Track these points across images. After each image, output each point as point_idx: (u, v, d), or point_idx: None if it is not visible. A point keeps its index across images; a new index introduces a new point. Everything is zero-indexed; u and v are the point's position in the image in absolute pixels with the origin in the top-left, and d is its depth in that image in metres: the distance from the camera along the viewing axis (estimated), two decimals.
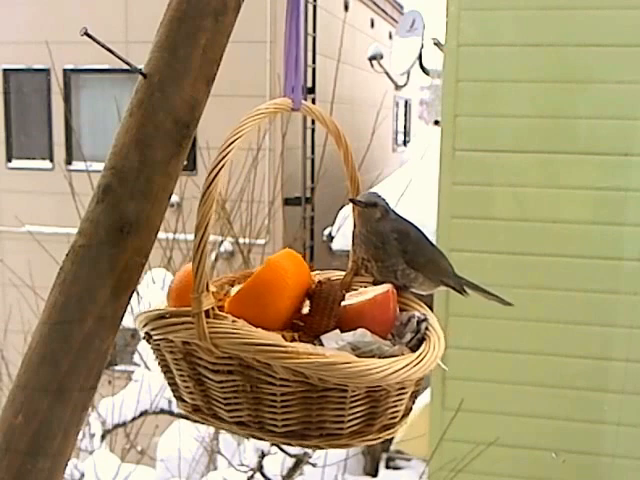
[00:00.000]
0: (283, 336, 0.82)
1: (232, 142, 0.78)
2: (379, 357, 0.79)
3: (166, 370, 0.88)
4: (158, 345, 0.86)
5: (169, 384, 0.89)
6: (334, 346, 0.81)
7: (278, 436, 0.80)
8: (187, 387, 0.85)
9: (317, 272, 1.02)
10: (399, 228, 0.96)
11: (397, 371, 0.76)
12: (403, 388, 0.81)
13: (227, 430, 0.85)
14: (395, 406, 0.82)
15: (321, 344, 0.82)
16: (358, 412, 0.79)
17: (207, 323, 0.77)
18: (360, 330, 0.83)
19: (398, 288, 0.94)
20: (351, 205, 0.98)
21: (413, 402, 0.87)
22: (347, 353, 0.78)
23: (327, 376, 0.74)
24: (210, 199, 0.76)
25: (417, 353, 0.80)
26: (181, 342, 0.81)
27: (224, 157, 0.77)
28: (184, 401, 0.88)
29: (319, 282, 0.88)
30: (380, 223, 0.95)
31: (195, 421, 0.90)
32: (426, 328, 0.87)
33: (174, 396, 0.89)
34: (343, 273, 1.01)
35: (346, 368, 0.74)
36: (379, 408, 0.81)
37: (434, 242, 1.05)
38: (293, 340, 0.83)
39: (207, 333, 0.76)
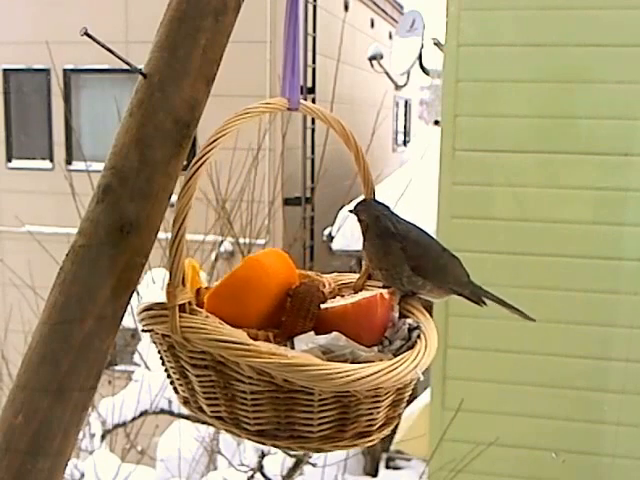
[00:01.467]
0: (256, 335, 0.81)
1: (215, 139, 0.78)
2: (351, 362, 0.76)
3: (162, 362, 0.89)
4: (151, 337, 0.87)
5: (167, 376, 0.90)
6: (304, 348, 0.79)
7: (252, 434, 0.80)
8: (177, 379, 0.86)
9: (332, 275, 1.00)
10: (403, 235, 0.92)
11: (365, 377, 0.73)
12: (377, 396, 0.79)
13: (210, 424, 0.86)
14: (370, 414, 0.79)
15: (292, 345, 0.82)
16: (327, 417, 0.78)
17: (181, 317, 0.77)
18: (334, 333, 0.81)
19: (405, 295, 0.92)
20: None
21: (396, 411, 0.84)
22: (312, 355, 0.76)
23: (290, 377, 0.74)
24: (188, 194, 0.77)
25: (392, 361, 0.77)
26: (161, 335, 0.82)
27: (206, 153, 0.78)
28: (177, 392, 0.89)
29: (301, 283, 0.88)
30: (382, 231, 0.92)
31: (196, 420, 0.91)
32: (417, 336, 0.83)
33: (172, 387, 0.90)
34: (355, 276, 0.99)
35: (308, 370, 0.72)
36: (350, 414, 0.78)
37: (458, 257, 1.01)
38: (267, 339, 0.82)
39: (178, 327, 0.77)
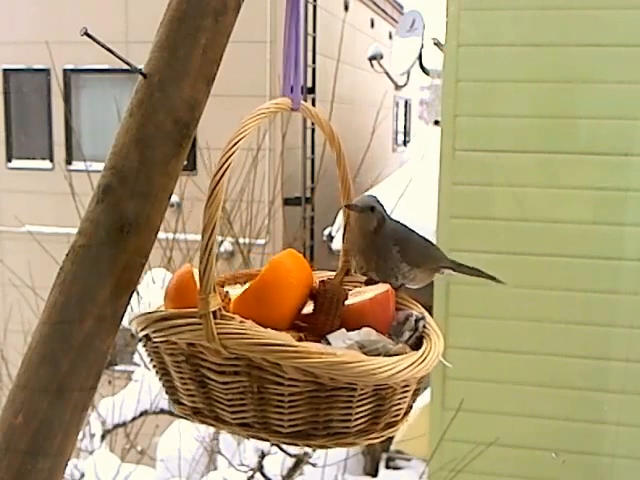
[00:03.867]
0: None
1: (236, 142, 0.78)
2: (384, 355, 0.79)
3: (164, 373, 0.87)
4: (156, 348, 0.85)
5: (166, 387, 0.88)
6: (342, 345, 0.81)
7: (284, 437, 0.80)
8: (188, 390, 0.84)
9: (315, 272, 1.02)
10: (398, 237, 0.94)
11: (405, 369, 0.76)
12: (407, 386, 0.82)
13: (228, 432, 0.85)
14: (399, 404, 0.83)
15: (328, 343, 0.82)
16: (365, 410, 0.80)
17: (215, 324, 0.76)
18: (365, 329, 0.83)
19: (394, 287, 0.94)
20: (344, 210, 0.97)
21: (414, 400, 0.87)
22: (356, 352, 0.78)
23: (339, 375, 0.74)
24: (217, 200, 0.76)
25: (421, 351, 0.81)
26: (185, 344, 0.80)
27: (229, 158, 0.77)
28: (182, 404, 0.87)
29: (322, 282, 0.88)
30: (378, 234, 0.93)
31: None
32: (424, 326, 0.87)
33: (171, 399, 0.88)
34: (332, 273, 1.01)
35: (357, 367, 0.74)
36: (384, 406, 0.81)
37: (432, 241, 1.04)
38: (300, 340, 0.82)
39: (216, 334, 0.76)
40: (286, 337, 0.78)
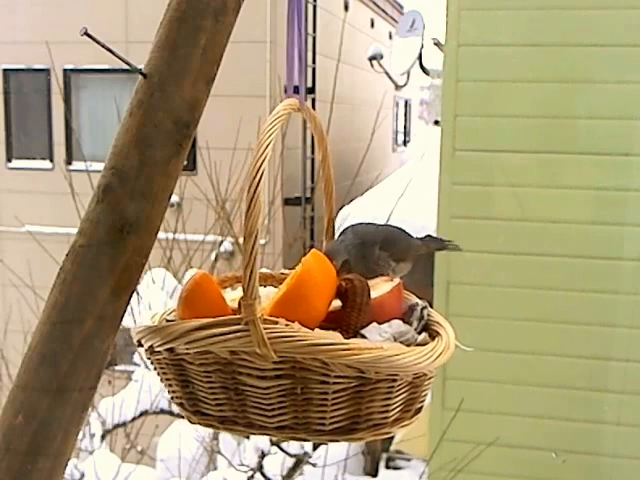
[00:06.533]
0: None
1: (264, 150, 0.78)
2: (415, 345, 0.83)
3: (184, 385, 0.85)
4: (178, 360, 0.82)
5: (187, 399, 0.85)
6: (379, 339, 0.83)
7: (325, 434, 0.81)
8: (216, 399, 0.82)
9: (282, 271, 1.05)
10: (386, 241, 0.98)
11: (438, 357, 0.80)
12: (431, 372, 0.86)
13: (258, 435, 0.85)
14: (427, 389, 0.87)
15: (364, 338, 0.84)
16: (401, 399, 0.83)
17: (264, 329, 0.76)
18: (395, 321, 0.86)
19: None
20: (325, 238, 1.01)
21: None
22: (398, 344, 0.82)
23: (386, 368, 0.77)
24: (257, 207, 0.78)
25: (444, 339, 0.84)
26: (228, 352, 0.78)
27: (262, 164, 0.78)
28: (205, 414, 0.85)
29: (347, 279, 0.89)
30: (365, 251, 0.97)
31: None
32: (428, 314, 0.90)
33: (189, 411, 0.86)
34: None
35: (403, 358, 0.77)
36: (417, 393, 0.85)
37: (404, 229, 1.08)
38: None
39: (267, 339, 0.75)
40: (335, 335, 0.80)
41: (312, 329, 0.80)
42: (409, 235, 1.04)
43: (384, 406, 0.81)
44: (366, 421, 0.81)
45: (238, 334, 0.77)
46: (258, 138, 0.79)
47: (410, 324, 0.89)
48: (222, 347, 0.78)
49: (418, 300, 0.93)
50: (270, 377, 0.78)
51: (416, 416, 0.87)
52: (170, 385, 0.87)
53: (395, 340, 0.83)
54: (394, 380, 0.79)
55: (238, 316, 0.76)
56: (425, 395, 0.87)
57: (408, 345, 0.82)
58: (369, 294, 0.87)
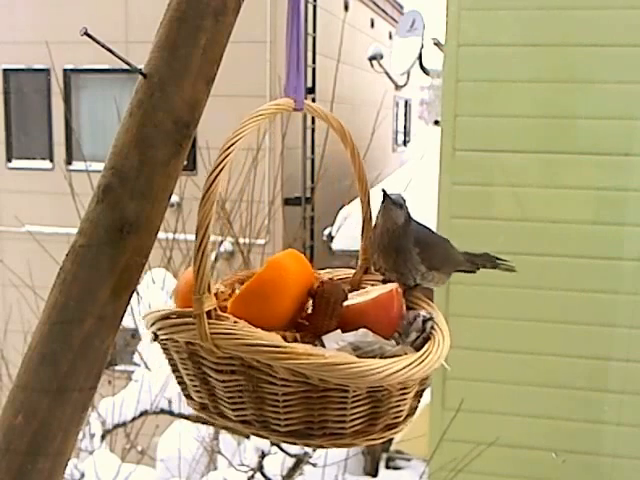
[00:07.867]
0: (285, 336, 0.82)
1: (233, 143, 0.78)
2: (380, 357, 0.78)
3: (174, 369, 0.89)
4: (166, 344, 0.86)
5: (178, 382, 0.90)
6: (335, 346, 0.81)
7: (282, 435, 0.80)
8: (195, 386, 0.86)
9: (327, 271, 1.02)
10: (419, 239, 0.93)
11: (398, 371, 0.75)
12: (405, 388, 0.81)
13: (233, 428, 0.86)
14: (398, 406, 0.82)
15: (322, 344, 0.82)
16: (360, 412, 0.79)
17: (209, 324, 0.77)
18: (362, 330, 0.83)
19: (409, 287, 0.93)
20: (364, 205, 0.96)
21: (418, 401, 0.87)
22: (347, 354, 0.78)
23: (327, 377, 0.74)
24: (210, 200, 0.76)
25: (419, 353, 0.80)
26: (184, 342, 0.81)
27: (225, 158, 0.77)
28: (192, 399, 0.88)
29: (321, 282, 0.88)
30: (402, 233, 0.92)
31: (203, 422, 0.91)
32: (432, 327, 0.86)
33: (183, 394, 0.90)
34: (351, 271, 1.00)
35: (346, 369, 0.73)
36: (381, 408, 0.80)
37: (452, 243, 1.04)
38: (295, 340, 0.83)
39: (209, 334, 0.77)
40: (276, 338, 0.78)
41: (272, 328, 0.80)
42: (452, 247, 0.99)
43: (339, 416, 0.78)
44: (321, 428, 0.79)
45: (189, 327, 0.79)
46: (233, 132, 0.79)
47: (407, 335, 0.85)
48: (179, 337, 0.81)
49: (425, 312, 0.88)
50: (226, 371, 0.80)
51: (391, 431, 0.83)
52: (170, 367, 0.90)
53: (354, 350, 0.79)
54: (345, 391, 0.77)
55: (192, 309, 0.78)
56: (397, 411, 0.83)
57: (373, 356, 0.78)
58: (340, 300, 0.85)
